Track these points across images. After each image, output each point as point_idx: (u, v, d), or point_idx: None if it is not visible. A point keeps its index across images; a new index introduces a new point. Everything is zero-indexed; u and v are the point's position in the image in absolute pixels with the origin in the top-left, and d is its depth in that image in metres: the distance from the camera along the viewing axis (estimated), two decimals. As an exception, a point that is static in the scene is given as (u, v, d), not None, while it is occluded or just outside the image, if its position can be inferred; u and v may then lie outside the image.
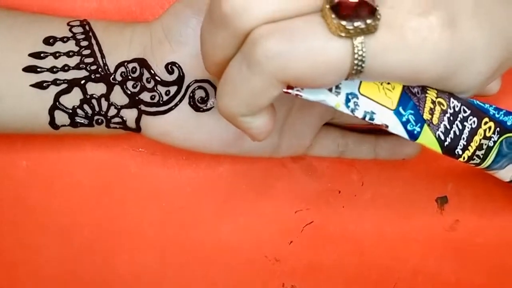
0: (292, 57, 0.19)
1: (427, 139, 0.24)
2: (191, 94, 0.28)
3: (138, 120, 0.28)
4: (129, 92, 0.28)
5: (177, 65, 0.27)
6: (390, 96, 0.23)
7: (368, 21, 0.19)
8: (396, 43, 0.20)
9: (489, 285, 0.36)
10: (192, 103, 0.28)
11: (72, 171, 0.33)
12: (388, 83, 0.23)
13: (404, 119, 0.23)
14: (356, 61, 0.20)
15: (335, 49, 0.19)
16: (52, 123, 0.28)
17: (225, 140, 0.29)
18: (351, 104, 0.22)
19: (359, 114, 0.22)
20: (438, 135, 0.24)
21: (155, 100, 0.28)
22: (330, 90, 0.22)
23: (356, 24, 0.19)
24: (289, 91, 0.22)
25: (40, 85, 0.27)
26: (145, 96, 0.28)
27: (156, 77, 0.27)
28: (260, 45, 0.19)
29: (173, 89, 0.28)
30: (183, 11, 0.27)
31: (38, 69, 0.27)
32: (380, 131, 0.33)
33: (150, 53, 0.27)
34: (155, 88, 0.28)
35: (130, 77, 0.28)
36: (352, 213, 0.35)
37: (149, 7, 0.33)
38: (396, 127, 0.23)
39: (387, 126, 0.23)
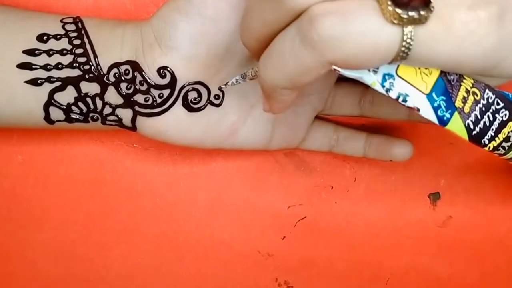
0: (346, 40, 0.20)
1: (456, 126, 0.24)
2: (184, 96, 0.28)
3: (133, 120, 0.28)
4: (123, 93, 0.28)
5: (168, 69, 0.27)
6: (426, 80, 0.23)
7: (422, 12, 0.20)
8: (443, 34, 0.20)
9: (481, 281, 0.36)
10: (185, 104, 0.28)
11: (66, 166, 0.34)
12: (426, 68, 0.23)
13: (435, 104, 0.23)
14: (403, 48, 0.20)
15: (386, 35, 0.20)
16: (47, 118, 0.28)
17: (218, 136, 0.30)
18: (386, 84, 0.23)
19: (393, 94, 0.23)
20: (468, 123, 0.24)
21: (149, 102, 0.28)
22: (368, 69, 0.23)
23: (410, 13, 0.19)
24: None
25: (34, 82, 0.27)
26: (139, 98, 0.28)
27: (149, 81, 0.28)
28: (317, 24, 0.20)
29: (166, 92, 0.28)
30: (171, 15, 0.27)
31: (32, 66, 0.27)
32: (376, 130, 0.33)
33: (142, 57, 0.27)
34: (148, 91, 0.28)
35: (123, 79, 0.28)
36: (344, 208, 0.35)
37: (144, 5, 0.33)
38: (427, 111, 0.23)
39: (418, 110, 0.23)
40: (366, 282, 0.35)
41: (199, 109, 0.29)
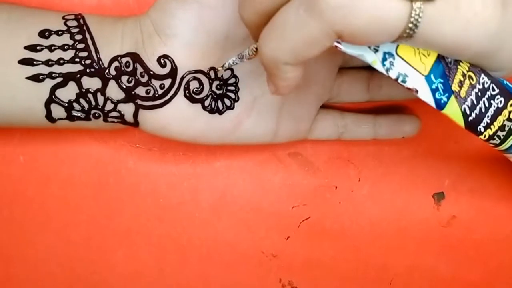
0: (355, 10, 0.19)
1: (452, 110, 0.24)
2: (185, 86, 0.28)
3: (135, 114, 0.28)
4: (124, 87, 0.28)
5: (169, 58, 0.27)
6: (424, 61, 0.23)
7: None
8: (450, 13, 0.20)
9: (485, 281, 0.36)
10: (187, 95, 0.28)
11: (69, 167, 0.33)
12: (425, 49, 0.23)
13: (433, 86, 0.23)
14: (410, 25, 0.20)
15: (395, 9, 0.20)
16: (49, 116, 0.28)
17: (222, 129, 0.30)
18: (387, 63, 0.23)
19: (393, 74, 0.23)
20: (464, 108, 0.24)
21: (151, 94, 0.28)
22: (369, 46, 0.22)
23: None
24: None
25: (36, 78, 0.27)
26: (141, 91, 0.28)
27: (150, 71, 0.28)
28: None
29: (167, 82, 0.28)
30: (169, 4, 0.27)
31: (34, 62, 0.27)
32: (378, 111, 0.33)
33: (142, 48, 0.28)
34: (150, 82, 0.28)
35: (124, 71, 0.28)
36: (348, 209, 0.35)
37: (147, 2, 0.32)
38: (425, 93, 0.23)
39: (417, 91, 0.23)
40: (370, 282, 0.35)
41: (201, 100, 0.28)
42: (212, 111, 0.29)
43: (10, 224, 0.34)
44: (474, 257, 0.35)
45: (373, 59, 0.22)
